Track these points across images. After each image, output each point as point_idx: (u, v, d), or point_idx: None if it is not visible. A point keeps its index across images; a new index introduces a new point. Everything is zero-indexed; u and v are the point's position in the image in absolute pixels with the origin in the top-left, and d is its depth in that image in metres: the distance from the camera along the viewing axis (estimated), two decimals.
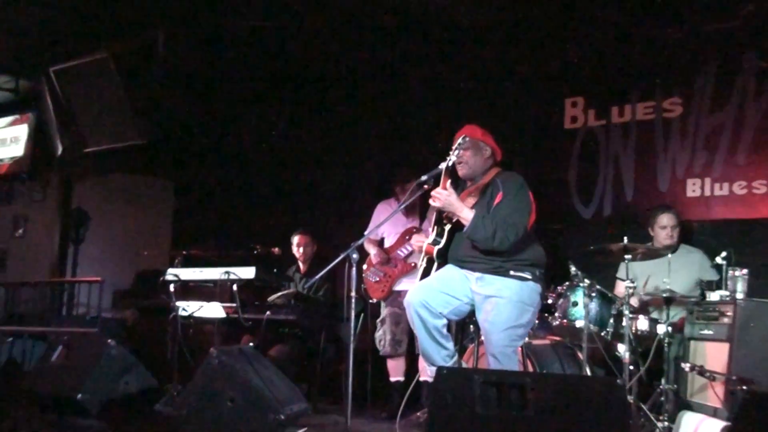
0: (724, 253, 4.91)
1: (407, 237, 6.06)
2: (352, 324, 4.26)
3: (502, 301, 4.32)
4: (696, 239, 5.92)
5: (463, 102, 7.25)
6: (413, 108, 7.70)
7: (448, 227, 4.53)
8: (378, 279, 6.08)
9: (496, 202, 4.40)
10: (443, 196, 4.36)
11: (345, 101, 8.12)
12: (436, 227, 4.63)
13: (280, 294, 5.96)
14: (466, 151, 4.56)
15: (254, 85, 8.46)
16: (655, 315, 5.30)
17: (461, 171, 4.60)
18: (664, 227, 5.62)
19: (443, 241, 4.53)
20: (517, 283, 4.36)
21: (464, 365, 4.83)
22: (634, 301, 5.31)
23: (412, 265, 5.94)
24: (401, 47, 7.41)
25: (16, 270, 9.49)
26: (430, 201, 4.43)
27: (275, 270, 6.43)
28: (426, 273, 4.59)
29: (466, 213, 4.36)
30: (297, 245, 6.77)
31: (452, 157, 4.44)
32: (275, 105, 8.59)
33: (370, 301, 6.16)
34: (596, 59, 6.68)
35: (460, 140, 4.48)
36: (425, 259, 4.64)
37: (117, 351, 5.36)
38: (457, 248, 4.51)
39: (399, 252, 6.07)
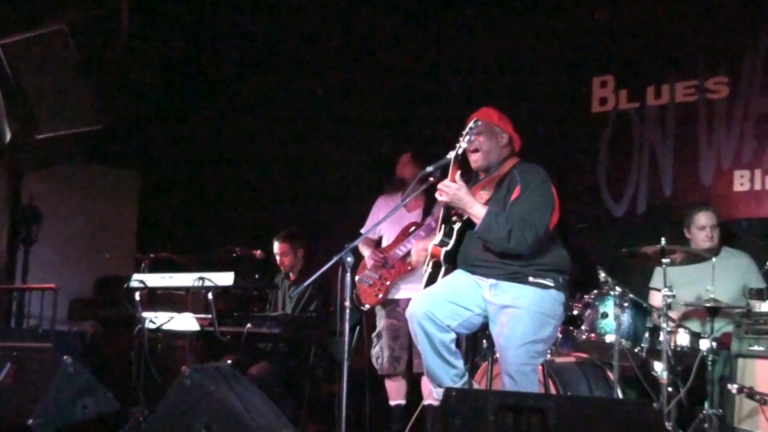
0: None
1: (406, 233, 6.06)
2: (347, 338, 4.25)
3: (520, 312, 4.31)
4: (744, 240, 5.92)
5: (475, 82, 7.25)
6: (418, 88, 7.69)
7: (457, 226, 4.52)
8: (372, 283, 6.08)
9: (513, 197, 4.39)
10: (451, 190, 4.34)
11: (339, 80, 8.12)
12: (443, 226, 4.61)
13: (269, 315, 5.98)
14: (479, 136, 4.54)
15: (234, 62, 8.46)
16: (697, 328, 5.30)
17: (473, 160, 4.58)
18: (702, 227, 5.61)
19: (452, 242, 4.52)
20: (538, 292, 4.35)
21: (476, 386, 4.83)
22: (673, 314, 5.31)
23: (410, 266, 5.94)
24: (404, 18, 7.40)
25: None
26: (437, 195, 4.41)
27: (257, 276, 6.43)
28: (432, 279, 4.58)
29: (477, 209, 4.34)
30: (275, 254, 6.78)
31: (462, 144, 4.43)
32: (258, 85, 8.59)
33: (363, 308, 6.16)
34: (629, 31, 6.68)
35: (471, 124, 4.47)
36: (431, 263, 4.63)
37: (74, 369, 5.35)
38: (468, 250, 4.50)
39: (396, 251, 6.06)
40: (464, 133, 4.44)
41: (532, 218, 4.29)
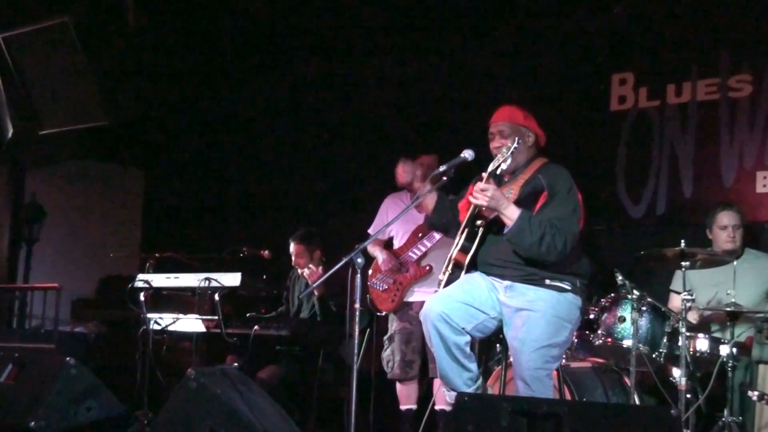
0: None
1: (420, 234, 6.07)
2: (356, 341, 4.27)
3: (535, 315, 4.32)
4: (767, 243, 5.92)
5: (491, 79, 7.25)
6: (431, 88, 7.70)
7: (481, 231, 4.50)
8: (387, 287, 6.09)
9: (540, 202, 4.37)
10: (489, 192, 4.26)
11: (351, 75, 8.12)
12: (466, 229, 4.56)
13: (276, 317, 6.00)
14: (507, 139, 4.48)
15: (241, 59, 8.48)
16: (717, 334, 5.30)
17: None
18: (724, 227, 5.59)
19: (474, 246, 4.50)
20: (554, 295, 4.37)
21: (489, 391, 4.84)
22: (692, 317, 5.31)
23: (427, 268, 5.96)
24: (417, 14, 7.40)
25: None
26: (471, 199, 4.35)
27: (265, 276, 6.45)
28: (451, 283, 4.57)
29: (512, 210, 4.28)
30: (291, 254, 6.77)
31: (503, 165, 4.35)
32: (265, 82, 8.61)
33: (378, 314, 6.18)
34: (649, 27, 6.67)
35: (511, 144, 4.37)
36: (451, 266, 4.60)
37: (77, 371, 5.37)
38: (487, 251, 4.49)
39: (410, 253, 6.08)
40: (504, 153, 4.35)
41: (564, 226, 4.28)
